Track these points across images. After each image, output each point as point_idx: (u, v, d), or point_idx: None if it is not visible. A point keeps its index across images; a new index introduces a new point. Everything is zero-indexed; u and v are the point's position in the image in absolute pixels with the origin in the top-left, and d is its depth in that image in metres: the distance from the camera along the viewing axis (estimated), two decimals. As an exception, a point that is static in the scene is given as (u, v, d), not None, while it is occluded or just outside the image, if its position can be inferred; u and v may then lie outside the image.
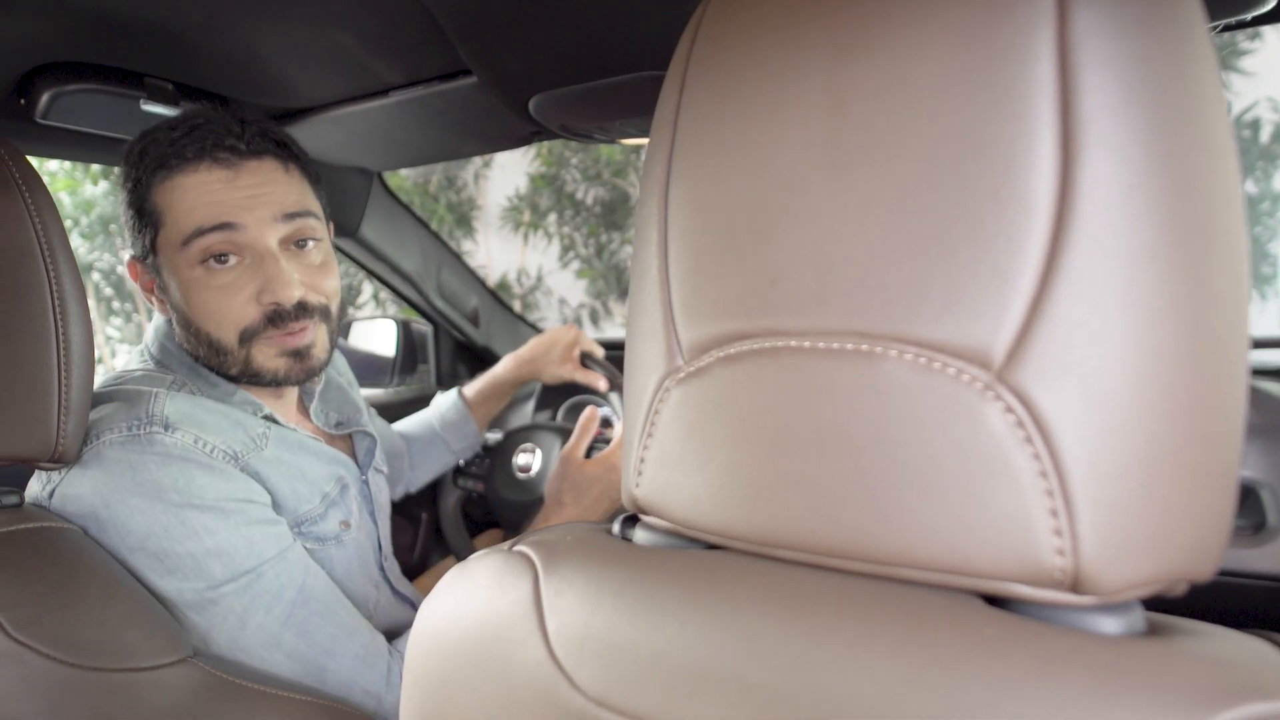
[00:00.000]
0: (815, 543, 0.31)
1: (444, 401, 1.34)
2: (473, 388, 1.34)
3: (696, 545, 0.37)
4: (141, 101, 0.95)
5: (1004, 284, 0.28)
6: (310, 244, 0.82)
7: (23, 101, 0.91)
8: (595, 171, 4.62)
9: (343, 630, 0.76)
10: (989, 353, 0.28)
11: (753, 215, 0.33)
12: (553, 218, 4.78)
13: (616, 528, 0.40)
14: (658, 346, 0.36)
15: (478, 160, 4.85)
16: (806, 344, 0.31)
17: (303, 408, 0.96)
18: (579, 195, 4.73)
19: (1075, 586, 0.27)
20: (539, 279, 4.83)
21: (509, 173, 4.84)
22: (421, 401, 1.74)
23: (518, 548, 0.38)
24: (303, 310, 0.79)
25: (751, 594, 0.32)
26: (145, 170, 0.76)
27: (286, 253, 0.79)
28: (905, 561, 0.29)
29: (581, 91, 0.86)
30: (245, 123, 0.79)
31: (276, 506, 0.78)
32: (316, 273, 0.81)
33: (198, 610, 0.69)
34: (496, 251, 4.89)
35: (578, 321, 4.81)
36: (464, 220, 4.89)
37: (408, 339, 1.72)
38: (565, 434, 1.32)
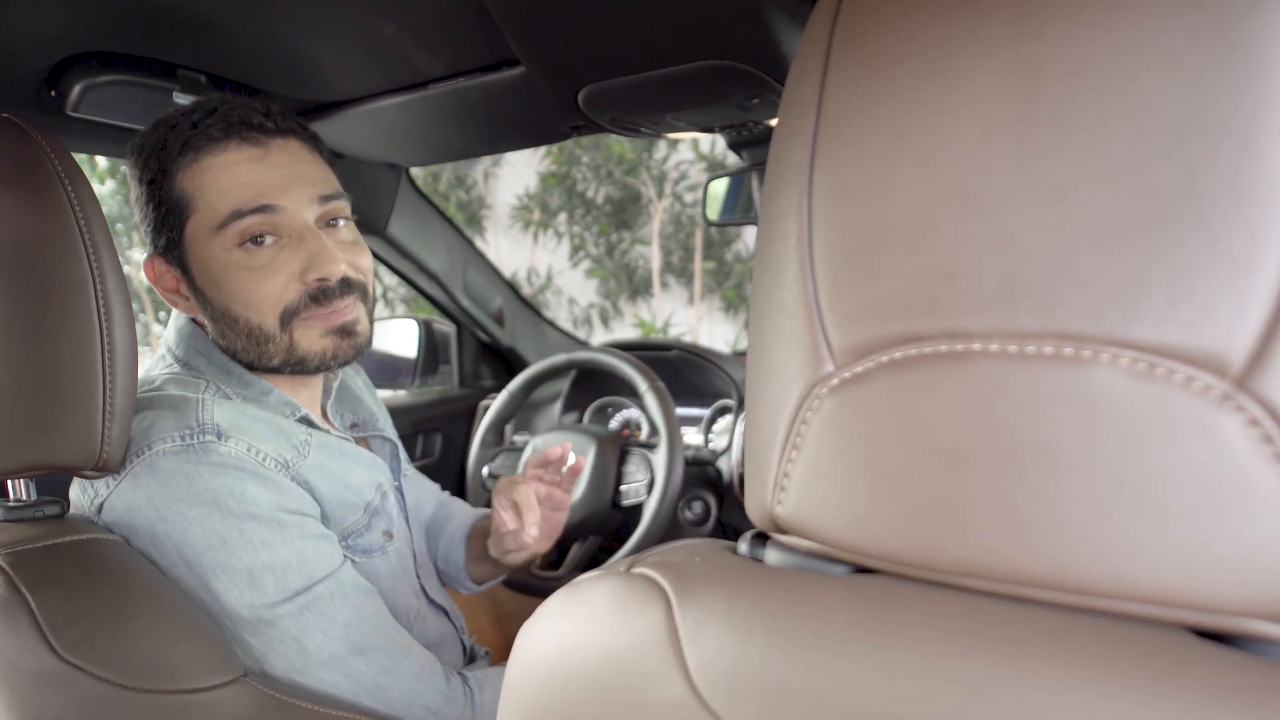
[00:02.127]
0: (1010, 570, 0.27)
1: (461, 520, 1.07)
2: (481, 526, 1.05)
3: (841, 567, 0.33)
4: (174, 93, 0.92)
5: (1244, 279, 0.24)
6: (341, 223, 0.79)
7: (53, 94, 0.88)
8: (606, 170, 4.59)
9: (399, 649, 0.73)
10: (1225, 357, 0.24)
11: (922, 204, 0.29)
12: (563, 217, 4.76)
13: (744, 547, 0.36)
14: (800, 351, 0.32)
15: (487, 158, 4.82)
16: (994, 347, 0.28)
17: (322, 410, 0.92)
18: (590, 194, 4.70)
19: None
20: (549, 278, 4.80)
21: (519, 171, 4.82)
22: (445, 403, 1.71)
23: (638, 569, 0.35)
24: (346, 287, 0.76)
25: (933, 627, 0.28)
26: (168, 158, 0.73)
27: (322, 230, 0.76)
28: (1119, 592, 0.26)
29: (636, 82, 0.83)
30: (269, 104, 0.76)
31: (324, 519, 0.75)
32: (352, 250, 0.78)
33: (254, 631, 0.66)
34: (506, 251, 4.86)
35: (587, 322, 4.79)
36: (474, 219, 4.86)
37: (429, 339, 1.69)
38: (600, 438, 1.28)
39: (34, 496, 0.62)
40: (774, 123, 0.95)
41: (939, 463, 0.28)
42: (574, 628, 0.35)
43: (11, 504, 0.61)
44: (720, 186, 1.18)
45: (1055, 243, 0.27)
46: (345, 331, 0.78)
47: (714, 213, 1.19)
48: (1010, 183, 0.28)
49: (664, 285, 4.66)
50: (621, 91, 0.85)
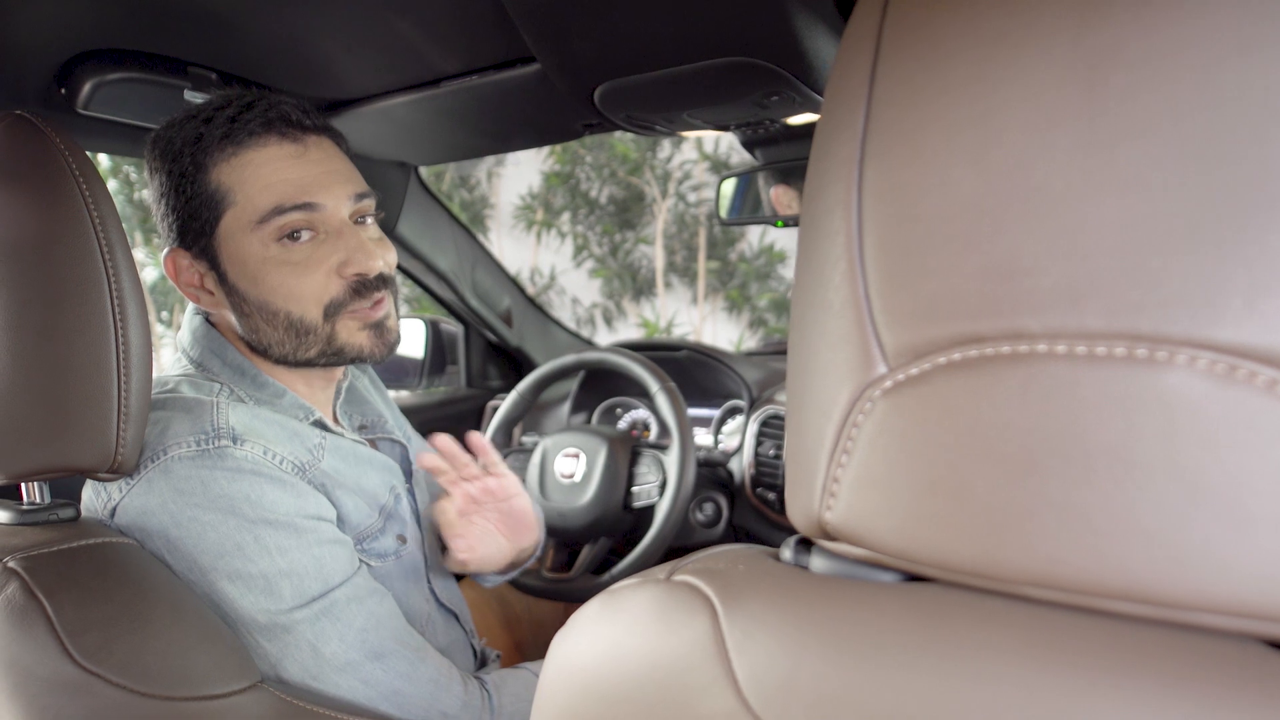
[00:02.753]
0: (1078, 579, 0.26)
1: None
2: None
3: (891, 575, 0.32)
4: (185, 91, 0.91)
5: None
6: (369, 220, 0.80)
7: (63, 91, 0.87)
8: (610, 170, 4.58)
9: (416, 654, 0.72)
10: None
11: (980, 199, 0.28)
12: (566, 216, 4.74)
13: (788, 554, 0.35)
14: (850, 352, 0.31)
15: (491, 158, 4.81)
16: (1060, 348, 0.27)
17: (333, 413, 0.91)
18: (593, 194, 4.69)
19: None
20: (552, 278, 4.79)
21: (523, 171, 4.81)
22: (452, 404, 1.70)
23: (678, 577, 0.34)
24: (381, 281, 0.78)
25: (995, 638, 0.27)
26: (203, 152, 0.73)
27: (354, 227, 0.77)
28: (1195, 604, 0.25)
29: (654, 79, 0.82)
30: (302, 101, 0.77)
31: (340, 523, 0.74)
32: (381, 245, 0.79)
33: (269, 637, 0.65)
34: (509, 251, 4.85)
35: (590, 321, 4.77)
36: (477, 219, 4.85)
37: (436, 339, 1.67)
38: (611, 439, 1.27)
39: (47, 499, 0.61)
40: (793, 120, 0.94)
41: (1001, 468, 0.27)
42: (614, 636, 0.34)
43: (25, 507, 0.60)
44: (732, 185, 1.17)
45: (1124, 240, 0.26)
46: (379, 327, 0.79)
47: (726, 211, 1.18)
48: (1074, 177, 0.27)
49: (667, 285, 4.65)
50: (638, 89, 0.84)
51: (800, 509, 0.34)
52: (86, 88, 0.86)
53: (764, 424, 1.36)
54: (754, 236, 4.42)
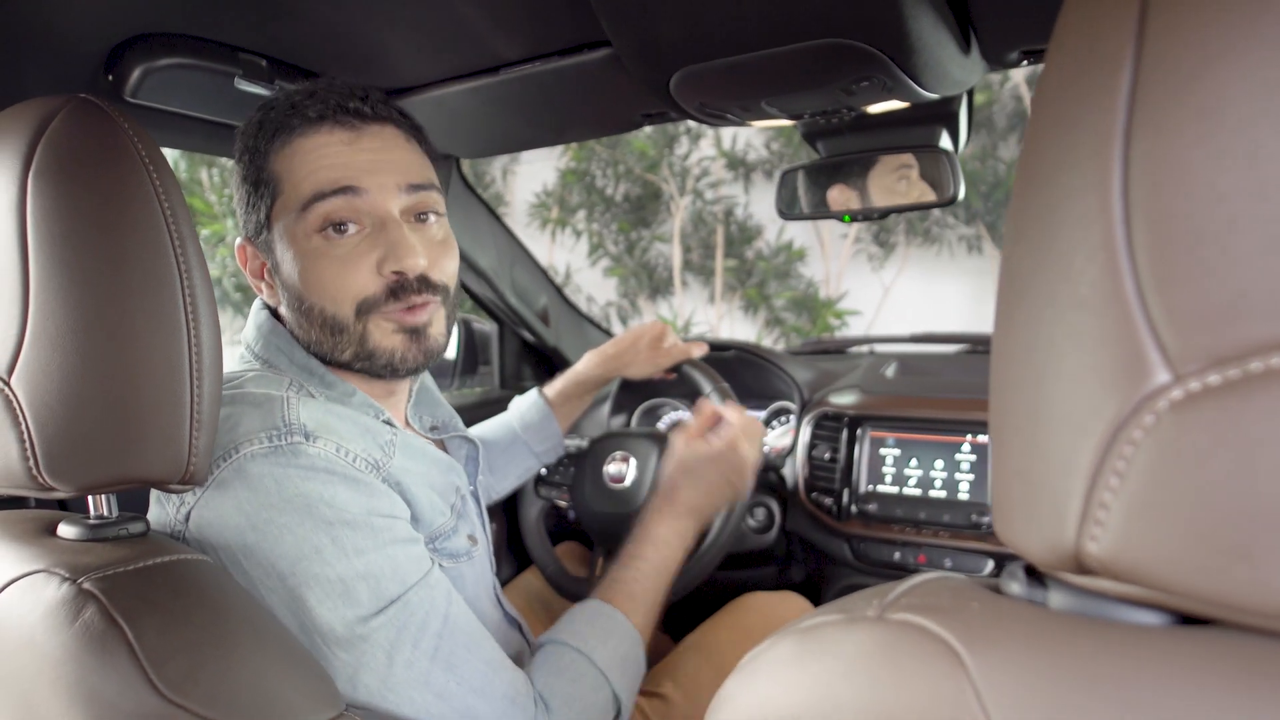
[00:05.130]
0: None
1: (524, 402, 1.24)
2: (553, 387, 1.24)
3: (1155, 615, 0.28)
4: (236, 79, 0.87)
5: None
6: (432, 218, 0.75)
7: (111, 79, 0.83)
8: (626, 166, 4.53)
9: (489, 665, 0.68)
10: None
11: None
12: (581, 214, 4.70)
13: (1017, 588, 0.31)
14: (1114, 357, 0.27)
15: (505, 155, 4.77)
16: None
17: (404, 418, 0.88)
18: (609, 191, 4.64)
19: None
20: (567, 276, 4.75)
21: (537, 169, 4.77)
22: (486, 406, 1.66)
23: (896, 615, 0.30)
24: (426, 284, 0.73)
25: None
26: (264, 138, 0.71)
27: (407, 224, 0.73)
28: None
29: (736, 64, 0.77)
30: (368, 89, 0.74)
31: (414, 521, 0.71)
32: (439, 249, 0.75)
33: (347, 647, 0.61)
34: (524, 249, 4.81)
35: (606, 321, 4.73)
36: (491, 217, 4.81)
37: (469, 338, 1.63)
38: (661, 441, 1.23)
39: (115, 513, 0.57)
40: (873, 109, 0.89)
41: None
42: (822, 683, 0.29)
43: (93, 521, 0.55)
44: (795, 179, 1.12)
45: None
46: (416, 333, 0.74)
47: (788, 206, 1.13)
48: None
49: (683, 284, 4.60)
50: (719, 75, 0.79)
51: (1039, 538, 0.29)
52: (135, 74, 0.82)
53: (817, 425, 1.32)
54: (771, 234, 4.37)
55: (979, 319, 3.90)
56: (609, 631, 0.80)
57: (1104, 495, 0.27)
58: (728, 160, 4.36)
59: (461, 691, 0.65)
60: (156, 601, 0.49)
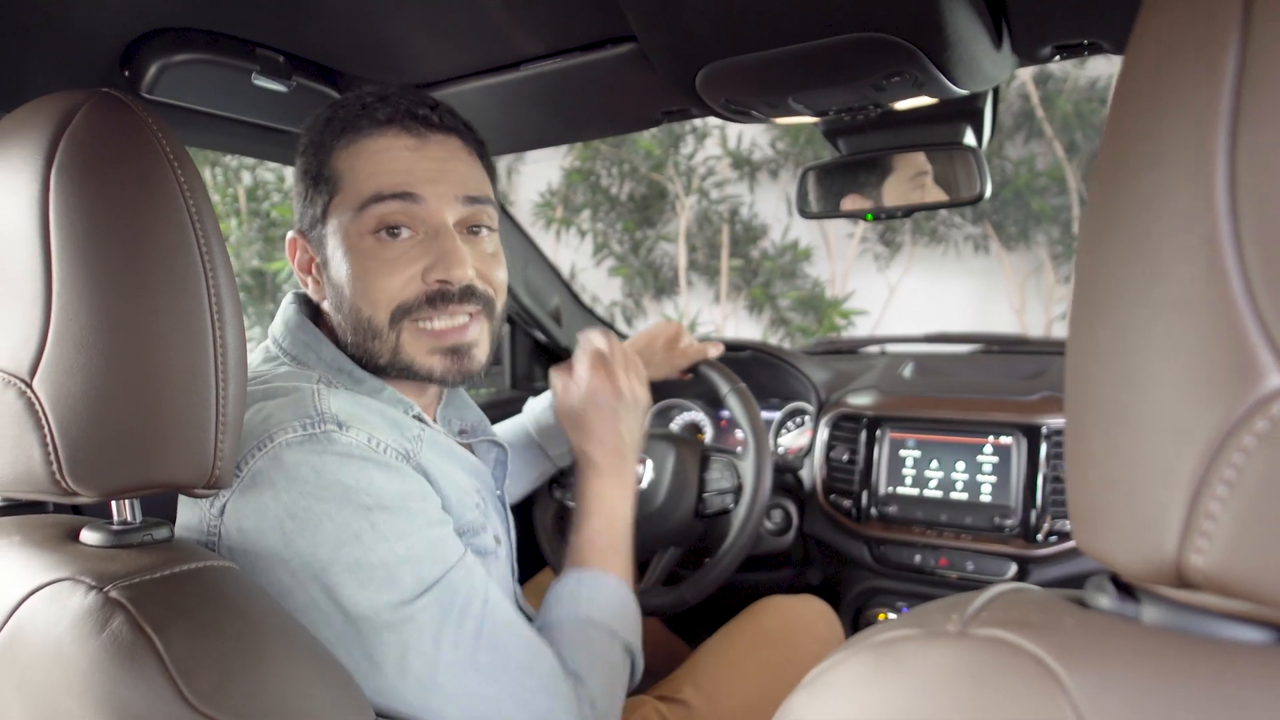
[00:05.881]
0: None
1: (538, 405, 1.23)
2: None
3: (1259, 632, 0.26)
4: (253, 75, 0.86)
5: None
6: (484, 232, 0.76)
7: (127, 74, 0.81)
8: (631, 166, 4.52)
9: (530, 645, 0.68)
10: None
11: None
12: (586, 214, 4.68)
13: (1107, 602, 0.29)
14: (1219, 360, 0.25)
15: (510, 155, 4.76)
16: None
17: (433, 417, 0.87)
18: (614, 190, 4.62)
19: None
20: (572, 276, 4.73)
21: (542, 168, 4.75)
22: (497, 406, 1.64)
23: (980, 631, 0.28)
24: (469, 295, 0.73)
25: None
26: (330, 134, 0.72)
27: (460, 235, 0.73)
28: None
29: (765, 60, 0.76)
30: (438, 100, 0.76)
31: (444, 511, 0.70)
32: (489, 261, 0.76)
33: (393, 630, 0.61)
34: (528, 248, 4.79)
35: (610, 321, 4.72)
36: (495, 216, 4.79)
37: (480, 339, 1.62)
38: (680, 444, 1.21)
39: (139, 518, 0.55)
40: (901, 105, 0.87)
41: None
42: (903, 703, 0.28)
43: (117, 528, 0.54)
44: (815, 177, 1.11)
45: None
46: (455, 352, 0.74)
47: (809, 205, 1.12)
48: None
49: (689, 283, 4.59)
50: (746, 70, 0.78)
51: (1132, 549, 0.28)
52: (152, 70, 0.80)
53: (835, 426, 1.31)
54: (776, 234, 4.35)
55: (986, 319, 3.88)
56: (596, 588, 0.80)
57: (1211, 505, 0.25)
58: (733, 159, 4.34)
59: (508, 671, 0.65)
60: (185, 610, 0.48)
